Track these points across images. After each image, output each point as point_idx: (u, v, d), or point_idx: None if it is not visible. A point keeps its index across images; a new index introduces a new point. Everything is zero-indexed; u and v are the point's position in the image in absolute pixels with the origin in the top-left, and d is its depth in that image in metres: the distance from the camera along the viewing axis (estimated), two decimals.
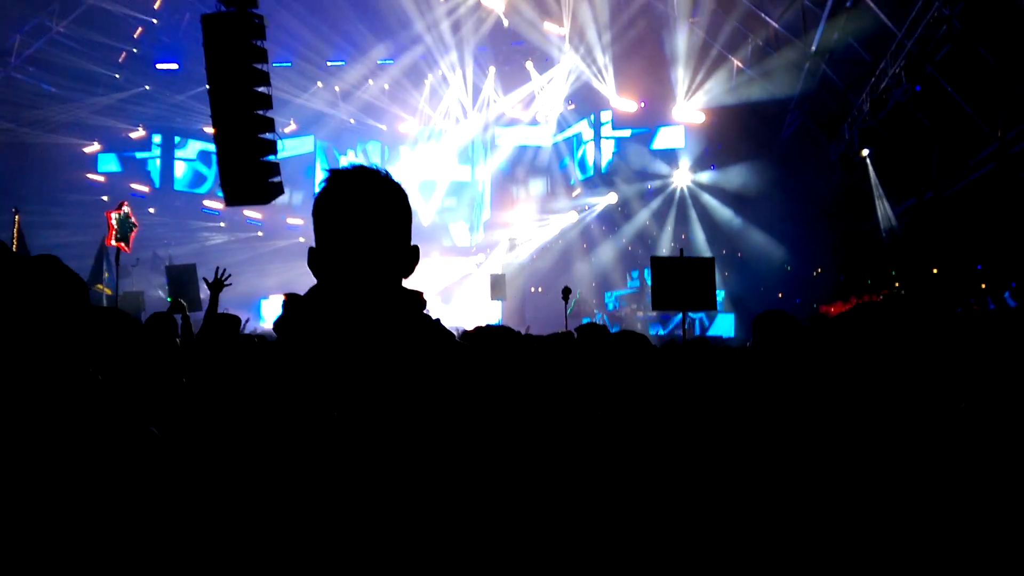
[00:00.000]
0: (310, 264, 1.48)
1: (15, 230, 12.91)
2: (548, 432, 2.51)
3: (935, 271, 14.42)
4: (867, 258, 16.41)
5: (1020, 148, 10.81)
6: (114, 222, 12.09)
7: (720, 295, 20.56)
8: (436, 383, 1.36)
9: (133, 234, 12.51)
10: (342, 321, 1.39)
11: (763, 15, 16.23)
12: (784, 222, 18.16)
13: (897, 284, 15.79)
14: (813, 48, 15.49)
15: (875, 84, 13.76)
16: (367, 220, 1.42)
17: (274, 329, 1.48)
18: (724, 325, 20.53)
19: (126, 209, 12.45)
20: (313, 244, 1.48)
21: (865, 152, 15.57)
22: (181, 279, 11.44)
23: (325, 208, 1.45)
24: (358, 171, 1.48)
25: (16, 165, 20.92)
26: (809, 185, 17.56)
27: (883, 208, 15.70)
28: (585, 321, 21.71)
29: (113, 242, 12.05)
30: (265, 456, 1.27)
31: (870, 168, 15.73)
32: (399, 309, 1.45)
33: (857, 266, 16.83)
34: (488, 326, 3.92)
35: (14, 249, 12.27)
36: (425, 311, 1.51)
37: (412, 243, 1.51)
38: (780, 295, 18.59)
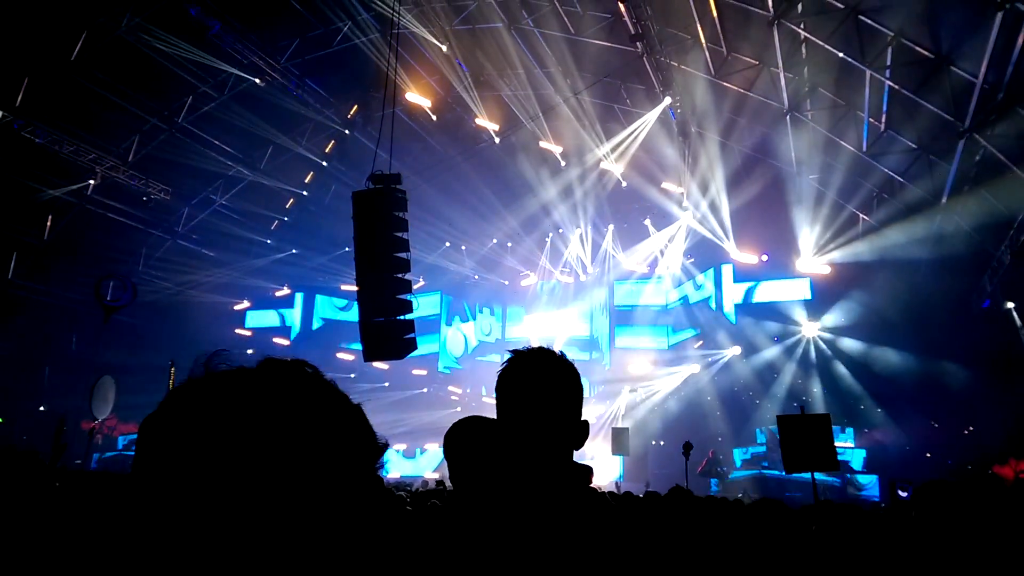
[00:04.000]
0: (492, 428, 1.65)
1: (170, 381, 14.03)
2: None
3: None
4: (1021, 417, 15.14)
5: None
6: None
7: (860, 455, 19.36)
8: (597, 554, 1.44)
9: None
10: (518, 490, 1.54)
11: (888, 171, 16.19)
12: (926, 378, 17.13)
13: None
14: (943, 201, 15.21)
15: (1015, 236, 13.27)
16: (545, 397, 1.58)
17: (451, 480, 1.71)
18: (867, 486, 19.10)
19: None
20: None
21: (1010, 305, 14.79)
22: None
23: (508, 384, 1.62)
24: (537, 352, 1.66)
25: (173, 321, 22.92)
26: (952, 338, 16.65)
27: None
28: (712, 482, 20.77)
29: None
30: None
31: (1016, 320, 14.86)
32: (569, 481, 1.57)
33: (1013, 424, 15.51)
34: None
35: None
36: (592, 484, 1.63)
37: (583, 419, 1.65)
38: (928, 455, 17.26)
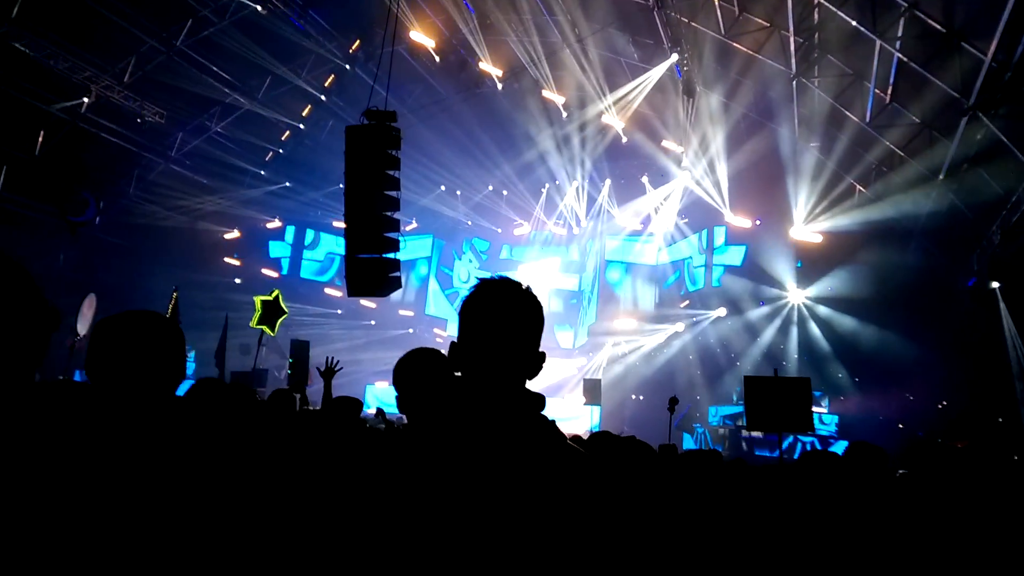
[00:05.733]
0: (450, 356, 1.70)
1: (171, 304, 14.17)
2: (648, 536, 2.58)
3: None
4: (998, 394, 15.42)
5: None
6: (259, 305, 13.04)
7: (834, 420, 19.73)
8: (544, 479, 1.50)
9: (281, 319, 13.38)
10: (471, 413, 1.58)
11: (888, 143, 16.13)
12: (907, 350, 17.37)
13: None
14: (941, 176, 15.22)
15: (1007, 216, 13.32)
16: (505, 325, 1.63)
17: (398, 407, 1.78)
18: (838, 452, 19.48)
19: (278, 296, 13.39)
20: (454, 339, 1.71)
21: (995, 284, 14.92)
22: (300, 352, 12.49)
23: (471, 310, 1.67)
24: (503, 283, 1.71)
25: (164, 246, 22.82)
26: (934, 312, 16.84)
27: (1015, 342, 14.86)
28: (685, 436, 21.22)
29: (257, 324, 12.97)
30: (381, 532, 1.45)
31: (1000, 301, 15.02)
32: (521, 407, 1.62)
33: (987, 402, 15.80)
34: (607, 434, 4.05)
35: None
36: (543, 412, 1.70)
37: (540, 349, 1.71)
38: (900, 426, 17.60)
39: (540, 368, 1.70)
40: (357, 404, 5.16)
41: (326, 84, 21.77)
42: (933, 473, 3.04)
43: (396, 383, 2.60)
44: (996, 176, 14.08)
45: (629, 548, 1.55)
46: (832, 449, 19.00)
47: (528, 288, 1.73)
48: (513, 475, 1.48)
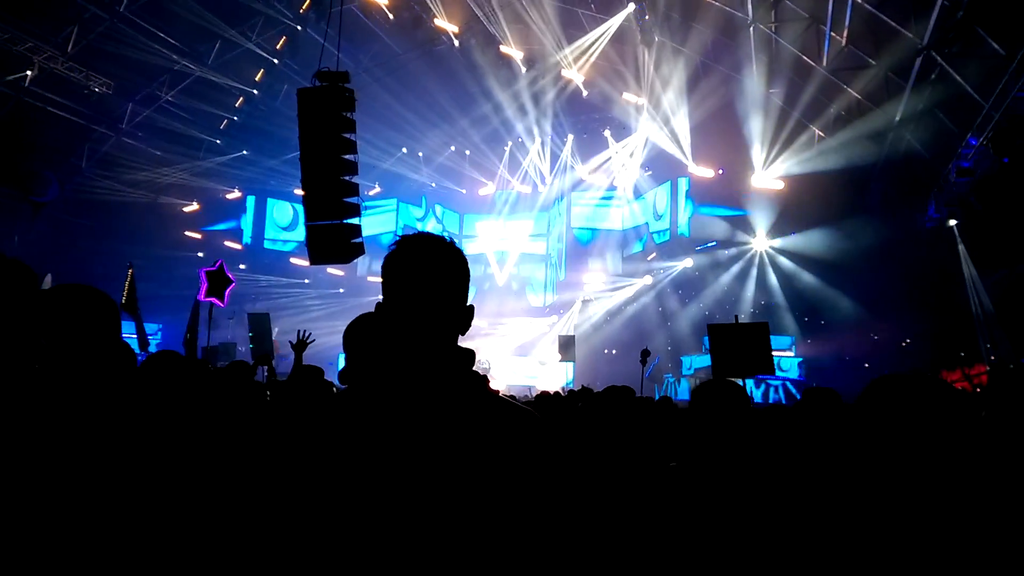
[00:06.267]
0: (376, 318, 1.66)
1: (127, 283, 13.87)
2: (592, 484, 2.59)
3: None
4: (957, 329, 15.79)
5: None
6: (208, 278, 12.87)
7: (796, 363, 20.11)
8: (474, 437, 1.48)
9: (228, 288, 13.23)
10: (399, 373, 1.55)
11: (844, 85, 16.18)
12: (868, 292, 17.67)
13: (993, 357, 15.12)
14: (897, 118, 15.33)
15: (961, 155, 13.48)
16: (428, 281, 1.59)
17: (339, 379, 1.64)
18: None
19: (221, 265, 13.22)
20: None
21: (952, 222, 15.17)
22: (260, 326, 12.28)
23: (392, 268, 1.62)
24: (424, 237, 1.66)
25: (122, 223, 22.34)
26: (894, 254, 17.11)
27: (971, 279, 15.17)
28: (661, 384, 21.57)
29: (206, 297, 12.79)
30: (312, 497, 1.41)
31: (957, 238, 15.29)
32: (450, 365, 1.59)
33: (948, 338, 16.18)
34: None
35: (123, 300, 13.31)
36: (474, 368, 1.67)
37: (469, 303, 1.67)
38: (867, 365, 17.97)
39: (469, 323, 1.66)
40: (319, 372, 5.10)
41: (278, 47, 21.19)
42: (889, 406, 3.05)
43: (345, 351, 2.54)
44: (951, 115, 14.22)
45: (572, 506, 1.54)
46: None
47: (452, 240, 1.68)
48: (441, 435, 1.46)
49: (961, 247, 15.37)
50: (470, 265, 1.72)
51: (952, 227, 15.40)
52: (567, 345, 17.74)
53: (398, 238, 1.67)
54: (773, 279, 21.30)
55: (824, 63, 15.82)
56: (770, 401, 19.50)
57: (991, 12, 11.59)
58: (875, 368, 17.73)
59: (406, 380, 1.54)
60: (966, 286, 15.38)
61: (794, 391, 19.44)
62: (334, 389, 5.30)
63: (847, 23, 14.66)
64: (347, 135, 11.47)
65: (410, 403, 1.50)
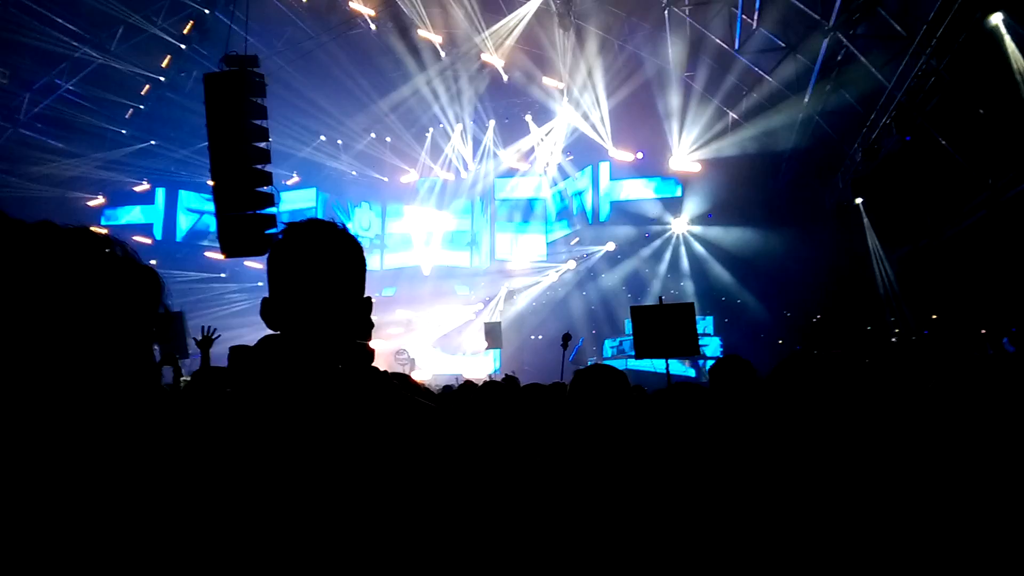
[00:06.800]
0: (262, 314, 1.50)
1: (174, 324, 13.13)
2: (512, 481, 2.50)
3: (934, 317, 14.42)
4: (865, 305, 16.44)
5: (1011, 194, 10.91)
6: None
7: (716, 342, 20.63)
8: (375, 438, 1.35)
9: None
10: (289, 373, 1.39)
11: (756, 68, 16.54)
12: (783, 270, 18.24)
13: (897, 330, 15.78)
14: (806, 99, 15.77)
15: (867, 135, 13.96)
16: (320, 270, 1.44)
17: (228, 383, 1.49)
18: None
19: None
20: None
21: (858, 200, 15.73)
22: (170, 326, 11.68)
23: (280, 258, 1.46)
24: (313, 224, 1.50)
25: (25, 219, 21.10)
26: (806, 233, 17.69)
27: (878, 255, 15.79)
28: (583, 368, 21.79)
29: None
30: (202, 507, 1.24)
31: (864, 216, 15.86)
32: (345, 362, 1.44)
33: (856, 313, 16.83)
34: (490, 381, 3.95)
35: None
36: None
37: (366, 295, 1.52)
38: (780, 341, 18.56)
39: (367, 317, 1.51)
40: (225, 372, 4.83)
41: (185, 31, 20.25)
42: (802, 381, 3.09)
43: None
44: (856, 95, 14.70)
45: (479, 504, 1.43)
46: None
47: (344, 227, 1.53)
48: (340, 436, 1.32)
49: (867, 224, 15.96)
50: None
51: (858, 205, 15.97)
52: (493, 332, 17.62)
53: (284, 226, 1.53)
54: (692, 260, 21.77)
55: (736, 46, 16.13)
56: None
57: None
58: (788, 344, 18.35)
59: (294, 384, 1.38)
60: (872, 263, 16.00)
61: None
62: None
63: (757, 6, 14.96)
64: (258, 122, 11.07)
65: (298, 409, 1.34)
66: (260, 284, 25.76)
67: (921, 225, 14.05)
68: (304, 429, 1.31)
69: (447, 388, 7.09)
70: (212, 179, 11.12)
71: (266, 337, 1.50)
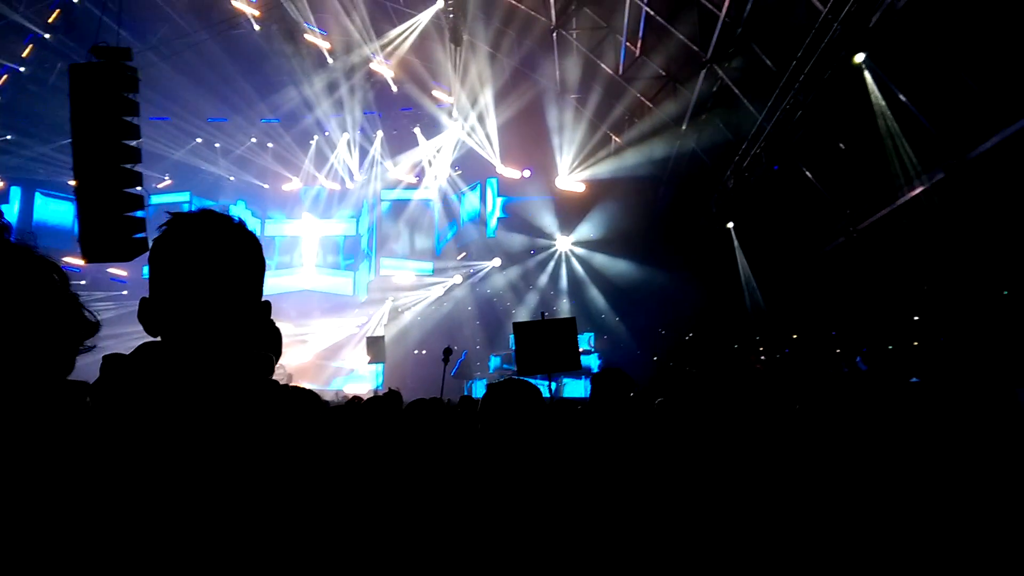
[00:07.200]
0: (140, 317, 1.31)
1: None
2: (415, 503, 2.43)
3: (795, 336, 15.34)
4: (734, 324, 17.29)
5: (865, 224, 11.78)
6: None
7: (594, 359, 21.15)
8: (274, 457, 1.18)
9: None
10: (173, 386, 1.19)
11: (637, 93, 17.15)
12: (659, 288, 18.92)
13: (761, 348, 16.67)
14: (684, 127, 16.49)
15: (739, 163, 14.72)
16: (211, 268, 1.24)
17: (90, 395, 1.26)
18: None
19: None
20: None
21: (730, 225, 16.55)
22: None
23: (163, 254, 1.25)
24: (204, 214, 1.29)
25: None
26: (682, 254, 18.44)
27: (746, 277, 16.64)
28: (467, 383, 21.80)
29: None
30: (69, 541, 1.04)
31: (735, 240, 16.70)
32: (239, 373, 1.25)
33: (726, 332, 17.66)
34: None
35: None
36: (273, 376, 1.38)
37: (264, 299, 1.34)
38: (655, 358, 19.21)
39: (264, 321, 1.33)
40: (83, 388, 4.43)
41: (50, 20, 18.94)
42: (681, 396, 3.20)
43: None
44: (730, 125, 15.51)
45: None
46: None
47: (240, 221, 1.32)
48: (230, 452, 1.15)
49: (737, 247, 16.81)
50: (276, 278, 1.37)
51: (730, 229, 16.81)
52: (376, 346, 17.26)
53: (169, 217, 1.29)
54: (574, 278, 22.28)
55: (620, 71, 16.68)
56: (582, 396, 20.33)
57: (765, 30, 12.74)
58: (663, 360, 19.03)
59: (188, 399, 1.18)
60: (742, 284, 16.86)
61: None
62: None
63: (640, 34, 15.55)
64: (129, 119, 10.41)
65: (176, 424, 1.15)
66: (125, 293, 24.25)
67: (786, 250, 14.95)
68: (181, 445, 1.13)
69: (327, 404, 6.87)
70: (75, 178, 10.35)
71: (144, 344, 1.30)
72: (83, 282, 23.39)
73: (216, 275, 1.24)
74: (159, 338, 1.27)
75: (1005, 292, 9.65)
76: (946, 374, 10.18)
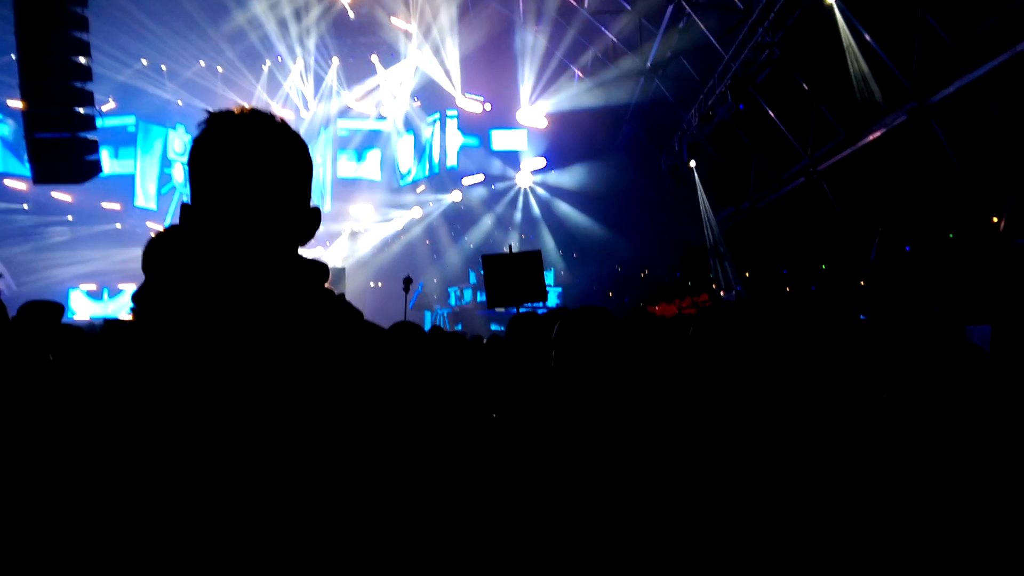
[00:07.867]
0: (182, 223, 1.23)
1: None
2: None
3: (747, 275, 15.71)
4: (692, 262, 17.61)
5: (825, 165, 12.00)
6: None
7: (556, 293, 21.40)
8: (338, 370, 1.12)
9: None
10: (222, 295, 1.12)
11: (602, 28, 16.93)
12: (618, 226, 19.10)
13: (714, 286, 17.04)
14: (648, 63, 16.39)
15: (703, 101, 14.75)
16: (260, 171, 1.17)
17: (133, 300, 1.13)
18: None
19: None
20: (187, 200, 1.24)
21: (692, 163, 16.68)
22: None
23: (206, 155, 1.18)
24: (247, 114, 1.20)
25: None
26: (642, 192, 18.58)
27: (707, 216, 16.88)
28: (427, 314, 21.93)
29: None
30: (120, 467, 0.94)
31: (696, 178, 16.86)
32: (294, 281, 1.19)
33: (682, 269, 17.99)
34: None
35: None
36: (327, 285, 1.31)
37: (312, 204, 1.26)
38: (610, 294, 19.52)
39: (315, 229, 1.24)
40: (57, 309, 4.32)
41: None
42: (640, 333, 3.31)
43: (145, 271, 1.97)
44: (696, 64, 15.47)
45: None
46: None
47: (285, 121, 1.22)
48: (288, 364, 1.07)
49: (699, 186, 16.98)
50: None
51: (692, 168, 16.94)
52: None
53: (208, 115, 1.19)
54: (534, 212, 22.29)
55: (585, 4, 16.40)
56: None
57: None
58: (618, 295, 19.35)
59: (232, 305, 1.10)
60: (702, 221, 17.10)
61: None
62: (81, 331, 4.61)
63: None
64: (78, 34, 9.91)
65: (238, 336, 1.08)
66: (70, 218, 23.46)
67: (745, 189, 15.17)
68: (244, 360, 1.06)
69: None
70: (22, 98, 9.86)
71: (190, 252, 1.21)
72: (25, 206, 22.50)
73: (266, 173, 1.19)
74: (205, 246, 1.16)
75: (951, 235, 10.03)
76: (894, 312, 10.59)
